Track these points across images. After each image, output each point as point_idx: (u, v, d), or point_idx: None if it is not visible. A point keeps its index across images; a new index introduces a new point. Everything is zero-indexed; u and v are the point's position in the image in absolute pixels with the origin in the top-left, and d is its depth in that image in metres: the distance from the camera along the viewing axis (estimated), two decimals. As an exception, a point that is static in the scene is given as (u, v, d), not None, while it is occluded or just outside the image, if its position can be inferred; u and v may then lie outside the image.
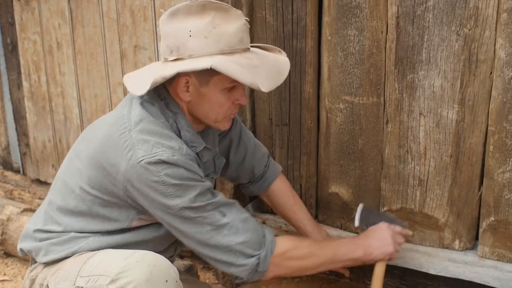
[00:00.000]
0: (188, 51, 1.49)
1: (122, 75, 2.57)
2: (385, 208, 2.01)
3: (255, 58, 1.55)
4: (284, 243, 1.64)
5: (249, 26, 1.56)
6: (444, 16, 1.73)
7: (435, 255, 1.92)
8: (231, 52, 1.50)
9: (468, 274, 1.80)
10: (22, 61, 3.00)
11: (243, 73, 1.47)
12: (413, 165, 1.91)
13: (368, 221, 1.83)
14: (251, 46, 1.62)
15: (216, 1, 1.52)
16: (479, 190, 1.85)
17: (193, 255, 2.57)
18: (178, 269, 2.19)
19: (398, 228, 1.78)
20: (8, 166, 3.38)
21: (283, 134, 2.17)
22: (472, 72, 1.74)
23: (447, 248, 1.94)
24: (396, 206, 1.98)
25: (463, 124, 1.79)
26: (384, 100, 1.91)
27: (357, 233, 1.92)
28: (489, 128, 1.77)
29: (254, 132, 2.25)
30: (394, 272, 1.92)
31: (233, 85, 1.56)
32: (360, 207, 1.88)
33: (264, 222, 2.24)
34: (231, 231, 1.56)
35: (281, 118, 2.15)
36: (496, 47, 1.69)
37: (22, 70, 3.02)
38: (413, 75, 1.83)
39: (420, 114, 1.85)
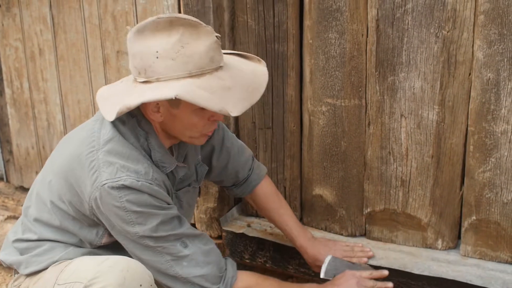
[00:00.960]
0: (155, 74, 1.42)
1: (105, 81, 2.57)
2: (368, 209, 2.02)
3: (228, 77, 1.47)
4: (245, 280, 1.64)
5: (220, 43, 1.49)
6: (423, 18, 1.75)
7: (419, 255, 1.93)
8: (201, 73, 1.43)
9: (451, 273, 1.82)
10: (4, 68, 2.98)
11: (211, 100, 1.40)
12: (395, 166, 1.93)
13: (335, 271, 1.81)
14: (229, 53, 1.60)
15: (184, 17, 1.44)
16: (461, 189, 1.87)
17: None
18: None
19: (365, 273, 1.78)
20: (-9, 173, 3.35)
21: (266, 137, 2.18)
22: (451, 73, 1.76)
23: (430, 247, 1.96)
24: (379, 207, 2.00)
25: (443, 125, 1.81)
26: (366, 102, 1.93)
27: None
28: (469, 128, 1.79)
29: (238, 135, 2.26)
30: (379, 273, 1.93)
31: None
32: (328, 259, 1.85)
33: (249, 225, 2.25)
34: (191, 263, 1.55)
35: (264, 122, 2.16)
36: (474, 49, 1.72)
37: (4, 77, 2.99)
38: (394, 77, 1.85)
39: (401, 115, 1.87)
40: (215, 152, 1.87)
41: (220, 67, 1.48)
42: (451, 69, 1.76)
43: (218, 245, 2.27)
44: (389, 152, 1.93)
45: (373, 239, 2.05)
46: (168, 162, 1.60)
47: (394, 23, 1.80)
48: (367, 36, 1.87)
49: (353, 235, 2.09)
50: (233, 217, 2.34)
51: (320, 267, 1.87)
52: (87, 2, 2.52)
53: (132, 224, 1.49)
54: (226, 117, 2.20)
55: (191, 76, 1.42)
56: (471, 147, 1.79)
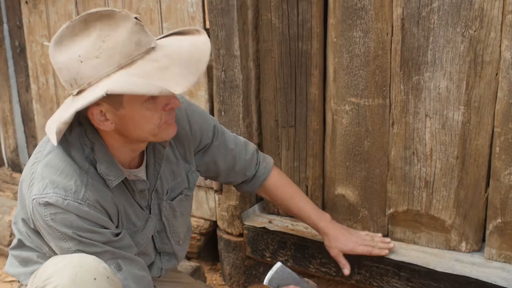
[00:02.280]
0: (85, 79, 1.31)
1: (129, 78, 2.58)
2: (391, 210, 2.00)
3: (163, 56, 1.35)
4: None
5: (142, 24, 1.36)
6: (449, 17, 1.73)
7: (442, 256, 1.91)
8: (131, 61, 1.32)
9: (475, 273, 1.79)
10: (30, 64, 3.02)
11: (147, 84, 1.27)
12: (419, 167, 1.91)
13: (280, 281, 1.74)
14: (164, 36, 1.48)
15: (97, 10, 1.33)
16: (486, 191, 1.84)
17: (199, 256, 2.59)
18: (185, 271, 2.21)
19: None
20: (16, 168, 3.41)
21: (289, 136, 2.17)
22: (478, 73, 1.73)
23: (453, 250, 1.93)
24: (402, 207, 1.98)
25: (469, 126, 1.79)
26: (390, 102, 1.91)
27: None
28: (495, 129, 1.76)
29: (260, 133, 2.26)
30: (401, 274, 1.91)
31: (151, 96, 1.37)
32: (276, 266, 1.76)
33: (270, 222, 2.25)
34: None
35: (287, 120, 2.15)
36: (501, 49, 1.69)
37: (30, 73, 3.04)
38: (419, 76, 1.82)
39: (426, 115, 1.84)
40: (219, 157, 1.83)
41: (152, 49, 1.36)
42: (477, 69, 1.73)
43: (239, 244, 2.29)
44: (413, 153, 1.90)
45: (396, 240, 2.03)
46: (113, 175, 1.46)
47: (420, 22, 1.78)
48: (392, 35, 1.85)
49: (375, 235, 2.08)
50: (254, 214, 2.34)
51: (339, 249, 1.88)
52: (112, -1, 2.54)
53: (64, 239, 1.42)
54: (249, 115, 2.20)
55: (121, 67, 1.31)
56: (497, 148, 1.76)
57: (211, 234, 2.53)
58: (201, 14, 2.26)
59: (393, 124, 1.92)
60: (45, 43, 1.41)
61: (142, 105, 1.37)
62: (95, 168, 1.45)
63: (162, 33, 2.38)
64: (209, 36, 2.22)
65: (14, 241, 1.68)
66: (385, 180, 2.00)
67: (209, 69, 2.30)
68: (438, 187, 1.89)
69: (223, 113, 2.23)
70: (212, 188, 2.41)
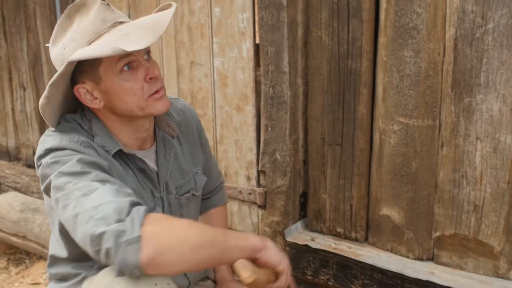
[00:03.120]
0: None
1: (177, 90, 2.63)
2: (437, 233, 1.96)
3: (127, 26, 1.41)
4: (157, 214, 1.32)
5: (108, 4, 1.43)
6: (504, 39, 1.69)
7: (490, 283, 1.86)
8: (98, 36, 1.39)
9: (524, 304, 1.74)
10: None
11: (101, 47, 1.32)
12: (468, 190, 1.86)
13: None
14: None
15: (74, 3, 1.43)
16: (538, 219, 1.79)
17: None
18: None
19: None
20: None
21: (335, 154, 2.16)
22: (533, 97, 1.69)
23: (502, 277, 1.87)
24: (449, 231, 1.93)
25: (522, 150, 1.74)
26: (440, 123, 1.88)
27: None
28: (549, 155, 1.71)
29: (305, 150, 2.25)
30: (446, 299, 1.87)
31: (124, 63, 1.40)
32: None
33: (313, 240, 2.23)
34: (100, 194, 1.29)
35: (333, 138, 2.14)
36: (559, 72, 1.64)
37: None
38: (471, 98, 1.79)
39: (477, 138, 1.80)
40: (206, 157, 1.86)
41: (119, 23, 1.43)
42: (532, 93, 1.69)
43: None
44: (462, 175, 1.86)
45: (441, 264, 1.99)
46: (109, 145, 1.48)
47: (473, 43, 1.75)
48: (444, 56, 1.83)
49: (420, 258, 2.03)
50: (297, 231, 2.33)
51: None
52: (165, 13, 2.59)
53: (51, 168, 1.37)
54: (295, 132, 2.20)
55: (90, 43, 1.39)
56: (551, 175, 1.71)
57: (252, 249, 2.52)
58: (252, 30, 2.29)
59: (442, 145, 1.89)
60: (47, 44, 1.49)
61: (119, 76, 1.41)
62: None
63: (213, 48, 2.42)
64: (258, 50, 2.26)
65: (48, 259, 1.67)
66: (432, 203, 1.96)
67: (257, 84, 2.31)
68: (487, 212, 1.84)
69: (269, 128, 2.24)
70: (255, 203, 2.41)
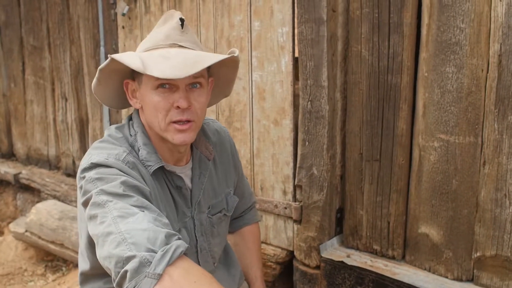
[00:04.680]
0: None
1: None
2: (478, 254, 1.91)
3: (175, 51, 1.44)
4: (188, 260, 1.26)
5: (182, 25, 1.48)
6: (551, 56, 1.65)
7: (532, 308, 1.80)
8: (153, 48, 1.47)
9: None
10: (123, 86, 3.15)
11: (132, 59, 1.39)
12: (511, 210, 1.81)
13: None
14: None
15: (171, 10, 1.53)
16: None
17: (274, 285, 2.56)
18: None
19: None
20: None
21: (373, 169, 2.13)
22: None
23: (545, 301, 1.82)
24: (490, 252, 1.88)
25: None
26: (482, 141, 1.84)
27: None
28: None
29: (343, 165, 2.23)
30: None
31: (160, 83, 1.43)
32: None
33: (348, 256, 2.20)
34: (137, 220, 1.28)
35: (372, 153, 2.12)
36: None
37: (123, 94, 3.16)
38: (515, 116, 1.75)
39: (521, 157, 1.76)
40: (239, 178, 1.87)
41: (178, 46, 1.47)
42: None
43: (315, 276, 2.25)
44: (505, 195, 1.81)
45: (481, 285, 1.93)
46: (152, 160, 1.52)
47: (518, 59, 1.71)
48: (487, 72, 1.79)
49: (459, 279, 1.98)
50: (333, 247, 2.30)
51: None
52: (205, 27, 2.61)
53: (94, 184, 1.38)
54: (333, 147, 2.18)
55: (145, 50, 1.48)
56: None
57: (287, 264, 2.51)
58: (291, 44, 2.28)
59: (484, 163, 1.84)
60: (110, 55, 1.49)
61: (154, 90, 1.46)
62: (137, 154, 1.53)
63: (251, 61, 2.42)
64: (297, 64, 2.25)
65: (79, 277, 1.68)
66: (473, 222, 1.91)
67: (295, 98, 2.31)
68: (531, 233, 1.79)
69: (307, 143, 2.23)
70: (291, 217, 2.39)
